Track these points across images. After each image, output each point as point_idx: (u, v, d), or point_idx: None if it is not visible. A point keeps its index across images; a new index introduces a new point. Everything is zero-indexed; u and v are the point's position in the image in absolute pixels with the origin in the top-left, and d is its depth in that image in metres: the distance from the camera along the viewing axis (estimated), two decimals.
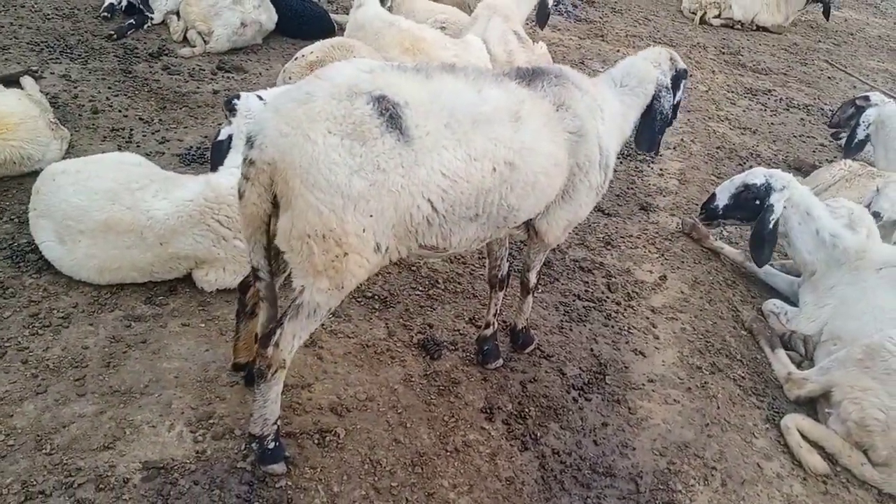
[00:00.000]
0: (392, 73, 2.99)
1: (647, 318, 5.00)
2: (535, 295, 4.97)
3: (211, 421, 3.64)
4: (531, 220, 3.67)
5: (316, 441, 3.65)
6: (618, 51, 9.83)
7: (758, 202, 4.93)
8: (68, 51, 6.91)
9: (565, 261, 5.43)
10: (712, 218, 5.24)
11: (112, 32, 7.33)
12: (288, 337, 3.13)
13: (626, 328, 4.87)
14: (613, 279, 5.32)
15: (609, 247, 5.71)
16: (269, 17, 7.79)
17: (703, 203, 5.36)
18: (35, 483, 3.21)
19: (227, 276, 4.38)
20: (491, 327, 4.24)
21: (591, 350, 4.62)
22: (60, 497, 3.17)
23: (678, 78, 4.04)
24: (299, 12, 8.07)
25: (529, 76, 3.44)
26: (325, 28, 8.07)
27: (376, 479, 3.53)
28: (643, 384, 4.44)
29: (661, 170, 7.04)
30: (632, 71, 3.92)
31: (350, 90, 2.85)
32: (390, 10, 7.57)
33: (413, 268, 5.01)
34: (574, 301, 5.03)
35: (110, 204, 4.18)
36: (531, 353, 4.48)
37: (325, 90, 2.86)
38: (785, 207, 4.81)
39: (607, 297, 5.13)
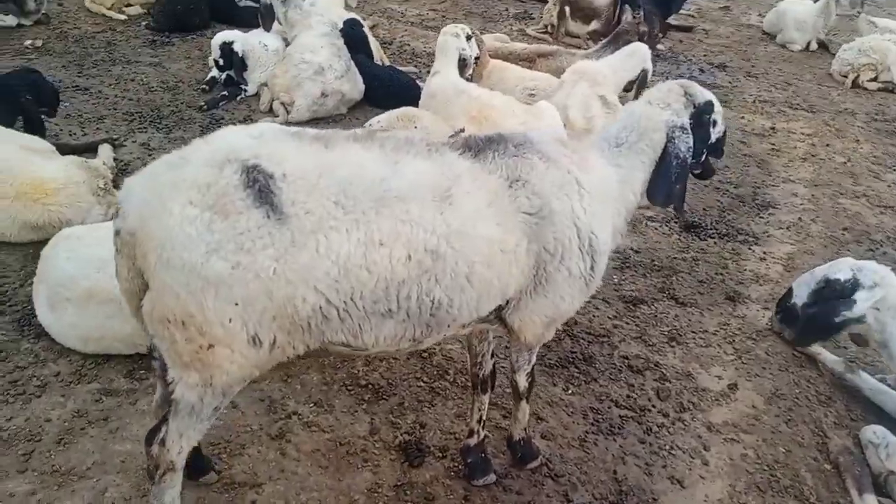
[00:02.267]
0: (282, 141, 2.57)
1: (700, 438, 4.06)
2: (563, 397, 4.24)
3: None
4: (500, 315, 3.03)
5: None
6: (742, 117, 8.81)
7: (840, 301, 3.92)
8: (158, 121, 7.19)
9: (612, 357, 4.62)
10: (790, 320, 4.23)
11: (203, 104, 7.58)
12: (174, 436, 2.72)
13: (667, 448, 3.97)
14: (666, 384, 4.43)
15: (673, 343, 4.81)
16: (353, 87, 7.73)
17: (779, 300, 4.38)
18: None
19: None
20: (475, 436, 3.58)
21: (615, 473, 3.79)
22: None
23: (701, 114, 3.29)
24: (385, 82, 7.96)
25: (480, 145, 2.87)
26: (411, 97, 7.87)
27: None
28: None
29: (764, 253, 6.00)
30: (630, 123, 3.23)
31: (225, 157, 2.45)
32: (470, 79, 7.22)
33: (425, 354, 4.45)
34: (609, 408, 4.21)
35: (95, 272, 4.06)
36: (535, 470, 3.73)
37: (202, 155, 2.49)
38: (877, 310, 3.75)
39: (653, 407, 4.25)
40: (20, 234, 4.95)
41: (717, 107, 3.40)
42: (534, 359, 3.39)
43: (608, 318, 5.01)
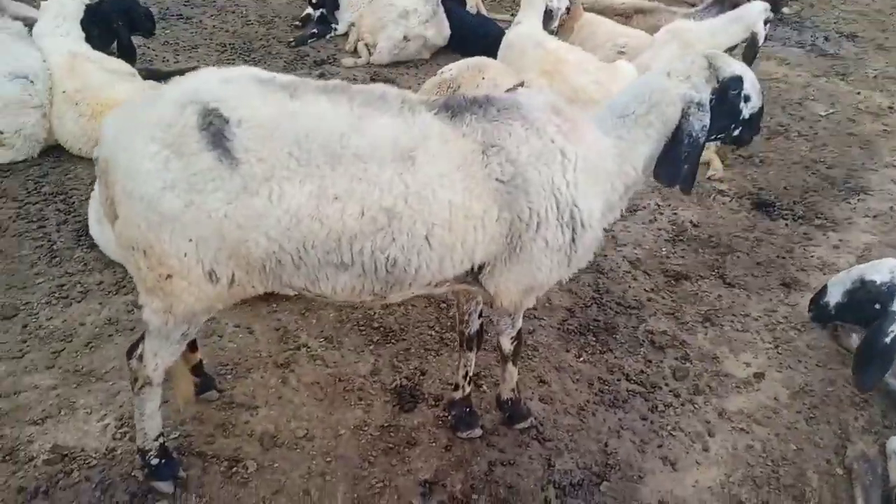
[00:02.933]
0: (248, 86, 2.60)
1: (707, 423, 3.89)
2: (572, 364, 4.17)
3: None
4: (478, 278, 3.00)
5: (222, 469, 3.38)
6: (857, 93, 8.06)
7: (877, 306, 3.58)
8: (247, 53, 7.48)
9: (637, 330, 4.47)
10: (822, 318, 3.93)
11: (292, 39, 7.79)
12: (149, 354, 2.91)
13: (669, 428, 3.84)
14: (686, 364, 4.25)
15: (707, 324, 4.59)
16: (437, 33, 7.68)
17: (813, 297, 4.05)
18: None
19: None
20: (461, 391, 3.59)
21: (605, 445, 3.71)
22: None
23: (726, 88, 3.03)
24: (472, 30, 7.85)
25: (459, 107, 2.79)
26: (497, 47, 7.72)
27: None
28: None
29: (839, 240, 5.55)
30: (641, 93, 3.02)
31: (189, 98, 2.53)
32: (555, 32, 6.98)
33: (442, 304, 4.49)
34: (618, 381, 4.10)
35: None
36: (524, 431, 3.72)
37: (171, 95, 2.59)
38: None
39: (665, 385, 4.10)
40: (93, 150, 5.33)
41: (750, 82, 3.12)
42: (518, 323, 3.33)
43: (644, 290, 4.84)
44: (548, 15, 6.94)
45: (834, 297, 3.91)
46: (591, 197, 2.92)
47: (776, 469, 3.66)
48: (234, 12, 8.44)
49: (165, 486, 3.22)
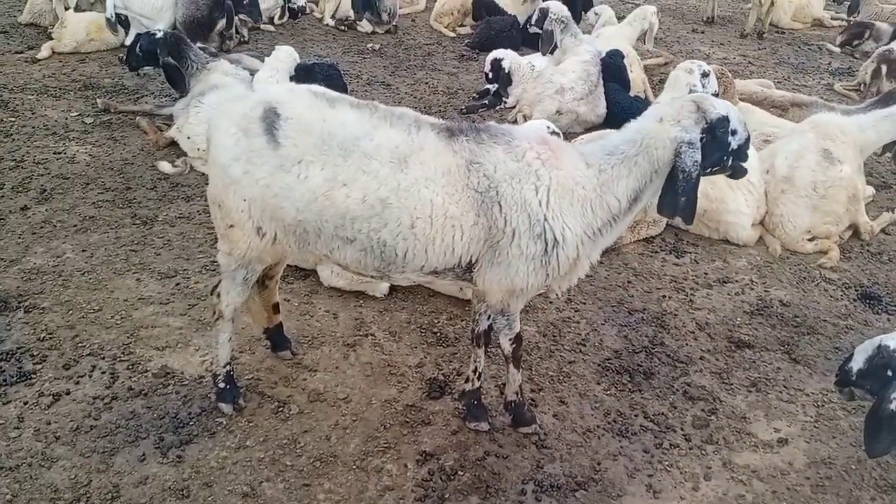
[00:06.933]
0: (303, 95, 3.53)
1: (707, 468, 4.03)
2: (597, 394, 4.52)
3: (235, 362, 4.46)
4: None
5: (272, 407, 4.25)
6: None
7: (889, 373, 3.55)
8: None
9: (675, 381, 4.68)
10: (844, 384, 3.88)
11: (464, 108, 8.90)
12: (223, 292, 3.90)
13: (666, 465, 4.04)
14: (711, 417, 4.39)
15: (752, 389, 4.65)
16: (590, 110, 8.34)
17: (841, 363, 3.98)
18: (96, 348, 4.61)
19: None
20: (470, 383, 4.15)
21: (598, 464, 4.02)
22: (107, 355, 4.50)
23: (714, 128, 3.47)
24: (626, 110, 8.38)
25: (458, 131, 3.50)
26: None
27: (283, 453, 3.94)
28: None
29: None
30: (631, 137, 3.54)
31: (263, 99, 3.53)
32: None
33: None
34: (635, 416, 4.37)
35: None
36: (527, 435, 4.16)
37: (255, 95, 3.62)
38: None
39: (681, 429, 4.29)
40: None
41: (735, 118, 3.52)
42: (515, 326, 3.85)
43: (701, 349, 5.01)
44: None
45: (857, 363, 3.88)
46: (566, 216, 3.45)
47: None
48: (427, 83, 9.79)
49: (226, 408, 4.14)
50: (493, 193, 3.40)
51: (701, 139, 3.47)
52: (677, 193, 3.50)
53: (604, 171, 3.52)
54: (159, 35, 7.33)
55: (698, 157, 3.45)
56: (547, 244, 3.45)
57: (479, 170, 3.41)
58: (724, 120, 3.49)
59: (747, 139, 3.63)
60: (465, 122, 3.69)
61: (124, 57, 8.23)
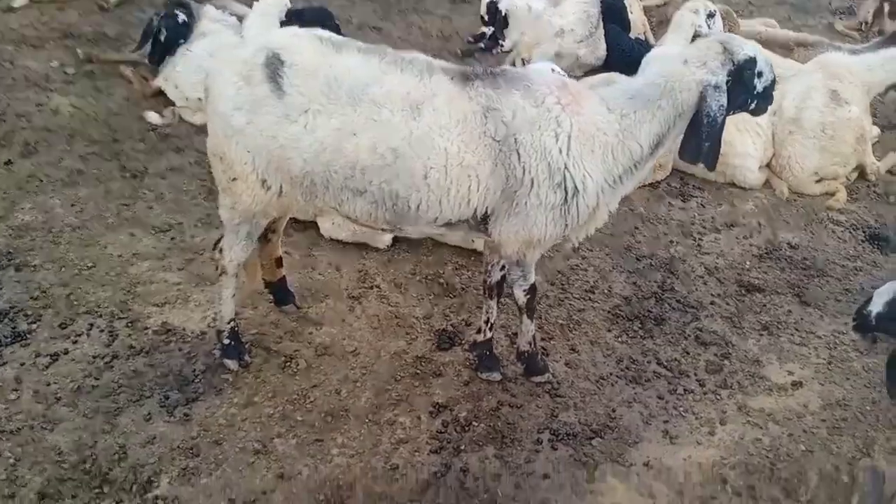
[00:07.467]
0: (307, 40, 3.32)
1: (723, 413, 3.99)
2: (608, 341, 4.45)
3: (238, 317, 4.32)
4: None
5: (279, 362, 4.14)
6: None
7: None
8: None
9: (686, 326, 4.61)
10: (863, 329, 3.84)
11: (459, 51, 8.63)
12: (226, 247, 3.75)
13: (682, 409, 4.00)
14: (725, 362, 4.34)
15: (763, 332, 4.60)
16: (589, 53, 8.10)
17: (858, 307, 3.94)
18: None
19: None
20: (482, 334, 4.06)
21: (613, 411, 3.97)
22: (108, 325, 4.36)
23: (741, 70, 3.32)
24: (626, 53, 8.15)
25: (474, 76, 3.32)
26: None
27: (293, 408, 3.85)
28: (632, 464, 3.66)
29: None
30: (654, 79, 3.36)
31: (264, 45, 3.31)
32: None
33: None
34: (648, 363, 4.31)
35: None
36: (540, 384, 4.09)
37: (255, 41, 3.41)
38: None
39: (694, 375, 4.24)
40: None
41: (762, 57, 3.38)
42: (531, 276, 3.74)
43: (711, 294, 4.94)
44: (695, 40, 7.12)
45: (876, 307, 3.84)
46: (587, 164, 3.30)
47: (775, 462, 3.70)
48: (420, 28, 9.47)
49: (232, 364, 4.03)
50: (512, 141, 3.24)
51: (727, 82, 3.31)
52: (701, 138, 3.36)
53: (626, 115, 3.36)
54: (182, 18, 6.86)
55: (724, 100, 3.29)
56: (567, 193, 3.31)
57: (497, 116, 3.24)
58: (752, 62, 3.33)
59: (773, 81, 3.47)
60: (480, 67, 3.51)
61: (136, 47, 7.56)
